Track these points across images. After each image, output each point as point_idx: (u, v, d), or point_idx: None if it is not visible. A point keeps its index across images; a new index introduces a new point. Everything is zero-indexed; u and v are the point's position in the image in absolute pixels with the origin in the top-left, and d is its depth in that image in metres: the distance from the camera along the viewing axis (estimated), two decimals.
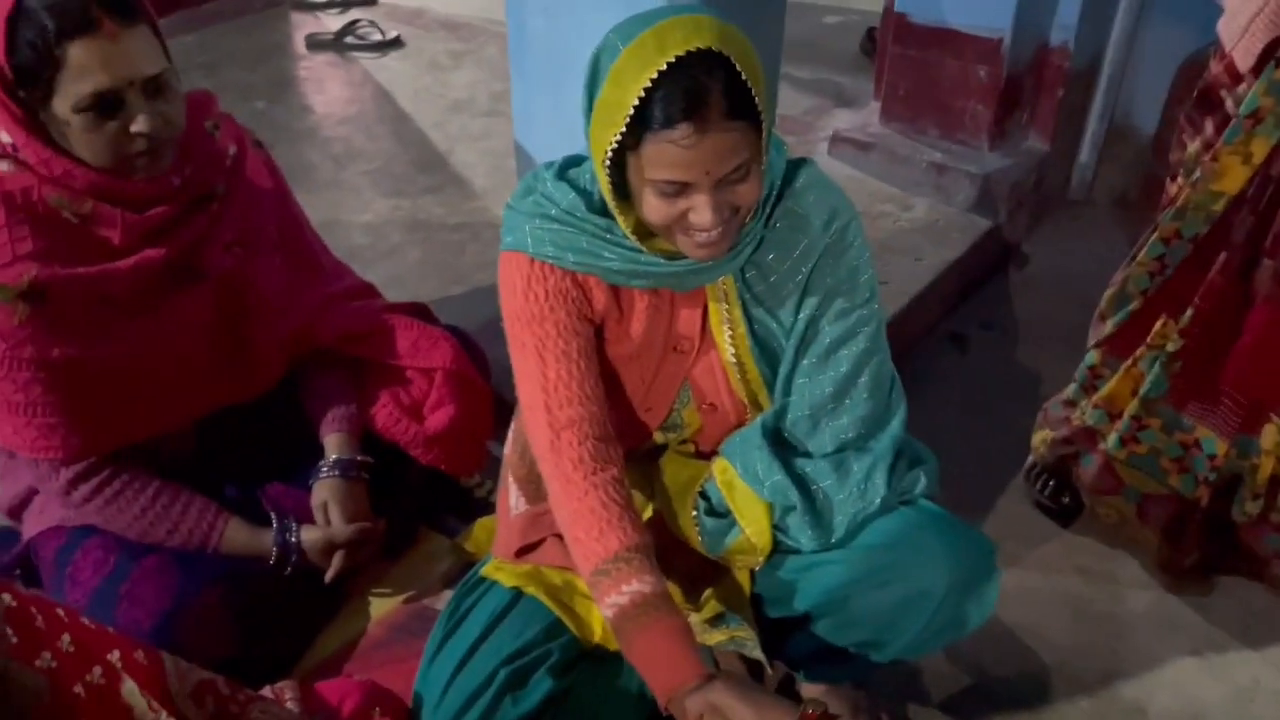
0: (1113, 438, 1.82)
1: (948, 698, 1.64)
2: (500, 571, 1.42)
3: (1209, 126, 1.61)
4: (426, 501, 1.77)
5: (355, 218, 2.71)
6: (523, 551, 1.41)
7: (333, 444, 1.57)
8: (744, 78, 1.05)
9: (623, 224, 1.17)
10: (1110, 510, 1.89)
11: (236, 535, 1.48)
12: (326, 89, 3.52)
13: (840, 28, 3.89)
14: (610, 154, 1.08)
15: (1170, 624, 1.77)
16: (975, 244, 2.61)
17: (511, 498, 1.45)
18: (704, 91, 1.03)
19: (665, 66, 1.02)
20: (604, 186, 1.14)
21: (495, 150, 3.00)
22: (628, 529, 1.19)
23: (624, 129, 1.05)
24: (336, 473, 1.56)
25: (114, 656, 0.98)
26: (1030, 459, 2.03)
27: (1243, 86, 1.54)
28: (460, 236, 2.60)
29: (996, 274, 2.71)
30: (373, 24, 3.84)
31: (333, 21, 3.98)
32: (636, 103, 1.03)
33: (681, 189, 1.08)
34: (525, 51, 1.71)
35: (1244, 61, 1.53)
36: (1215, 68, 1.60)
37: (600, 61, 1.09)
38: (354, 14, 4.01)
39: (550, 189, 1.22)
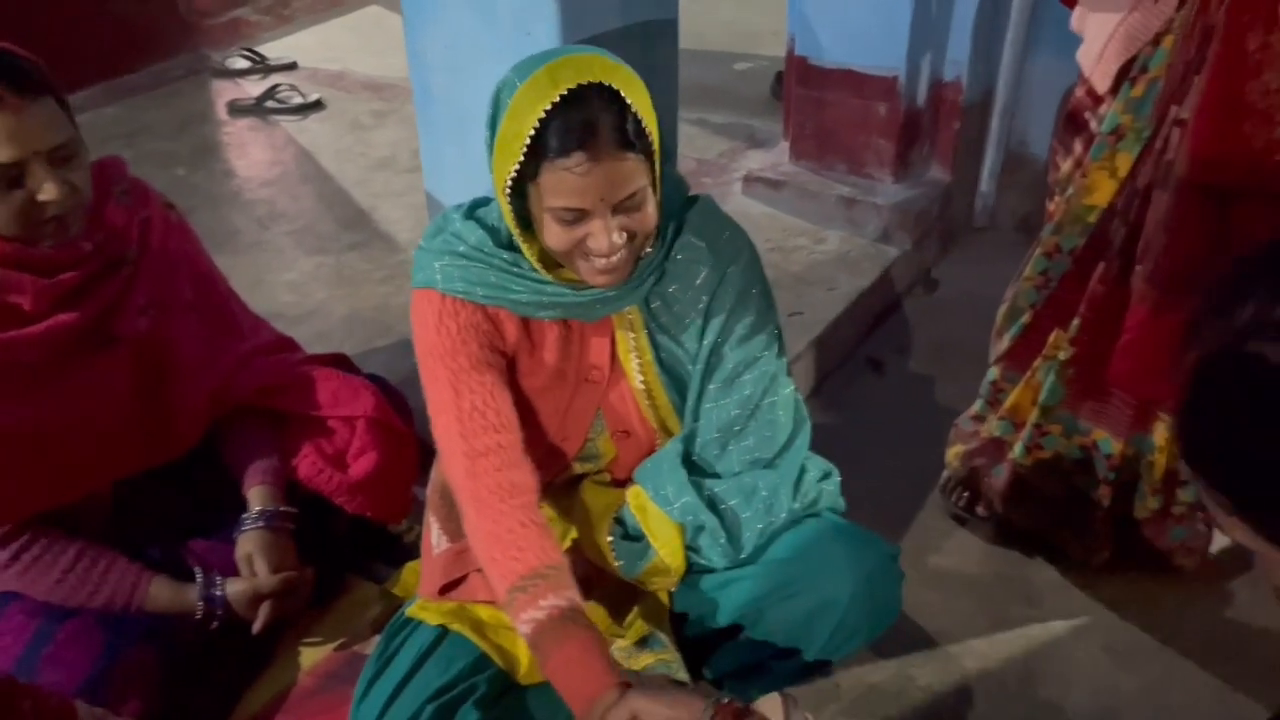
0: (1018, 447, 1.90)
1: (874, 707, 1.68)
2: (426, 611, 1.44)
3: (1078, 146, 1.72)
4: (355, 549, 1.79)
5: (279, 277, 2.73)
6: (447, 589, 1.44)
7: (256, 497, 1.58)
8: (634, 110, 1.12)
9: (528, 253, 1.23)
10: (1022, 517, 1.96)
11: (160, 593, 1.48)
12: (249, 153, 3.55)
13: (751, 74, 4.02)
14: (511, 183, 1.14)
15: (1084, 622, 1.84)
16: (886, 272, 2.71)
17: (434, 536, 1.48)
18: (595, 122, 1.10)
19: (558, 99, 1.09)
20: (507, 216, 1.19)
21: (418, 205, 3.04)
22: (546, 548, 1.22)
23: (521, 159, 1.12)
24: (261, 524, 1.56)
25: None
26: (945, 473, 2.10)
27: (1104, 107, 1.64)
28: (385, 289, 2.64)
29: (908, 300, 2.81)
30: (294, 88, 3.88)
31: (254, 87, 4.01)
32: (532, 133, 1.10)
33: (579, 216, 1.14)
34: (430, 106, 1.77)
35: (1102, 84, 1.64)
36: (1078, 92, 1.71)
37: (500, 97, 1.15)
38: (275, 79, 4.04)
39: (459, 227, 1.27)
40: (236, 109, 3.84)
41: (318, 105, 3.85)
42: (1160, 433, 1.77)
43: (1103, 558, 1.89)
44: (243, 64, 4.23)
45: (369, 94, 3.96)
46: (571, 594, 1.19)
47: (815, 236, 2.84)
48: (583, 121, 1.10)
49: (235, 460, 1.63)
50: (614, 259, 1.18)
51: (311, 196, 3.19)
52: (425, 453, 1.73)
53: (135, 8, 4.19)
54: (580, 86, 1.10)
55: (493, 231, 1.27)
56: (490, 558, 1.24)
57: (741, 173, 3.09)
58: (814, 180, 2.94)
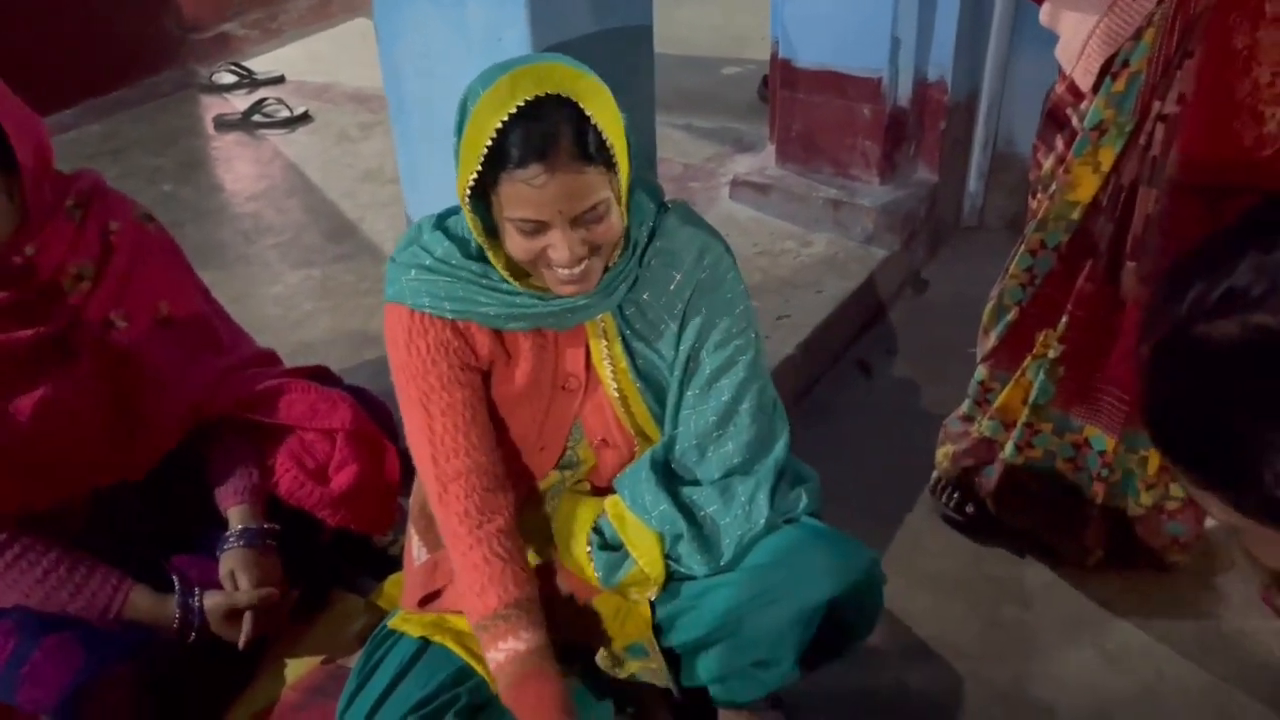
0: (1009, 446, 1.89)
1: (867, 713, 1.67)
2: (407, 623, 1.43)
3: (1059, 143, 1.70)
4: (339, 562, 1.77)
5: (266, 290, 2.73)
6: (428, 600, 1.42)
7: (236, 515, 1.57)
8: (594, 122, 1.11)
9: (495, 261, 1.22)
10: (1014, 517, 1.95)
11: (140, 601, 1.47)
12: (235, 167, 3.54)
13: (738, 78, 4.02)
14: (471, 191, 1.13)
15: (1077, 623, 1.82)
16: (873, 274, 2.70)
17: (414, 548, 1.47)
18: (553, 134, 1.09)
19: (515, 110, 1.08)
20: (471, 224, 1.19)
21: (404, 216, 3.04)
22: (508, 585, 1.25)
23: (480, 168, 1.10)
24: (242, 543, 1.55)
25: None
26: (935, 474, 2.08)
27: (1085, 103, 1.63)
28: (371, 301, 2.63)
29: (897, 301, 2.80)
30: (280, 101, 3.88)
31: (240, 101, 4.01)
32: (490, 143, 1.09)
33: (538, 227, 1.13)
34: (406, 116, 1.77)
35: (1084, 81, 1.63)
36: (1059, 88, 1.70)
37: (465, 105, 1.15)
38: (261, 93, 4.04)
39: (427, 239, 1.27)
40: (223, 123, 3.83)
41: (305, 118, 3.84)
42: None
43: (1096, 557, 1.87)
44: (230, 79, 4.23)
45: (356, 106, 3.95)
46: (531, 634, 1.24)
47: (802, 240, 2.83)
48: (540, 134, 1.09)
49: (215, 478, 1.62)
50: (577, 270, 1.17)
51: (298, 209, 3.18)
52: (407, 464, 1.71)
53: (122, 24, 4.20)
54: (539, 97, 1.09)
55: (461, 242, 1.26)
56: (460, 590, 1.30)
57: (728, 177, 3.09)
58: (800, 183, 2.93)
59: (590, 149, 1.11)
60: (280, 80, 4.24)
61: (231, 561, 1.53)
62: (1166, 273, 0.72)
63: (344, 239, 2.98)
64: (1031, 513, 1.92)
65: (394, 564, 1.82)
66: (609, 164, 1.14)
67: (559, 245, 1.14)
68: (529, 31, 1.49)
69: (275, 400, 1.65)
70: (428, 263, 1.26)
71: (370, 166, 3.45)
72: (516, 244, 1.16)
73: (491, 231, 1.20)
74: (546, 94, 1.09)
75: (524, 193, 1.10)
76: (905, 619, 1.84)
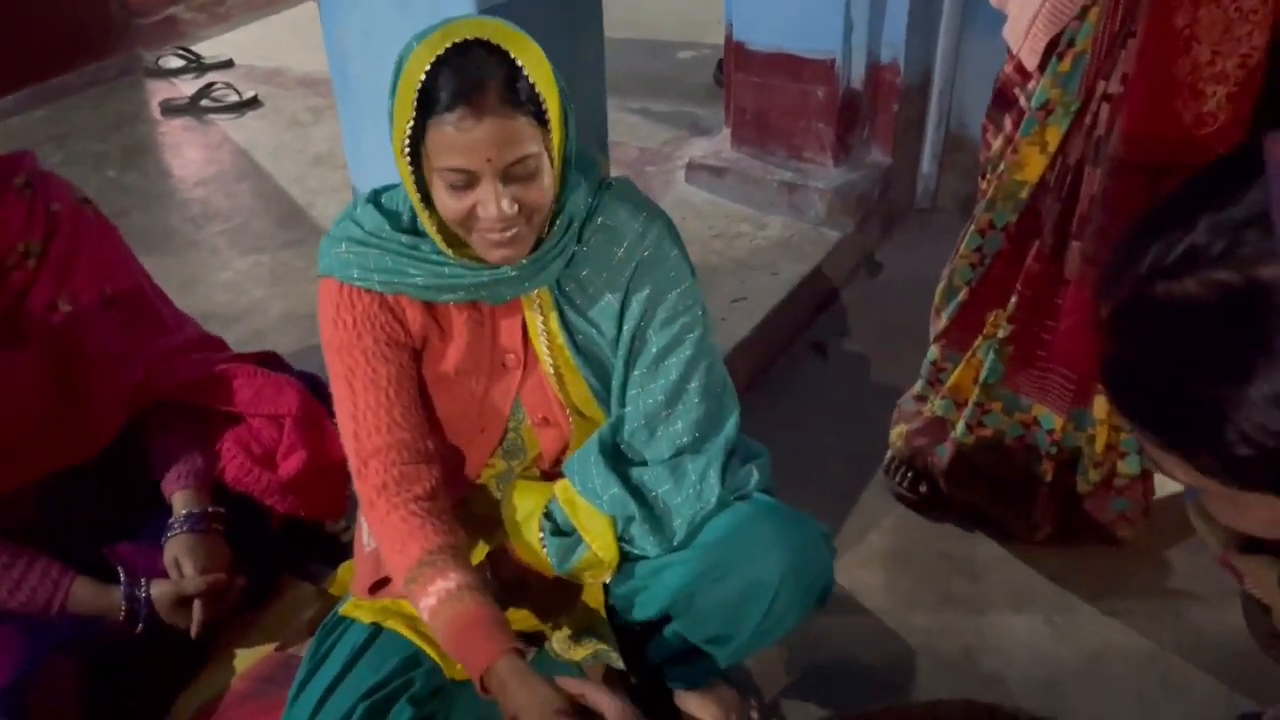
0: (960, 425, 1.91)
1: (819, 687, 1.68)
2: (358, 609, 1.41)
3: (1007, 123, 1.72)
4: (290, 550, 1.75)
5: (215, 277, 2.68)
6: (378, 587, 1.41)
7: (180, 501, 1.54)
8: (524, 71, 1.10)
9: (429, 226, 1.20)
10: (965, 494, 1.97)
11: (83, 594, 1.44)
12: (183, 153, 3.48)
13: (694, 61, 4.01)
14: (407, 146, 1.11)
15: (1026, 596, 1.85)
16: (828, 256, 2.71)
17: (364, 534, 1.45)
18: (481, 77, 1.08)
19: (444, 51, 1.07)
20: (407, 184, 1.17)
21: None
22: (429, 534, 1.23)
23: (413, 115, 1.09)
24: (186, 528, 1.53)
25: None
26: (889, 453, 2.10)
27: (1032, 83, 1.65)
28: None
29: (851, 283, 2.82)
30: (229, 86, 3.81)
31: (188, 86, 3.94)
32: (419, 87, 1.08)
33: (467, 180, 1.12)
34: (350, 96, 1.74)
35: (1030, 60, 1.64)
36: (1007, 68, 1.71)
37: (400, 61, 1.13)
38: (210, 77, 3.97)
39: (359, 213, 1.25)
40: (170, 109, 3.76)
41: (254, 103, 3.78)
42: (1100, 406, 1.77)
43: (1045, 532, 1.90)
44: (177, 63, 4.15)
45: (306, 90, 3.89)
46: (459, 573, 1.21)
47: (758, 222, 2.83)
48: (467, 76, 1.08)
49: (159, 463, 1.59)
50: (508, 233, 1.15)
51: (247, 195, 3.13)
52: None
53: (66, 8, 4.09)
54: (468, 41, 1.08)
55: (392, 216, 1.25)
56: (384, 556, 1.26)
57: (684, 160, 3.08)
58: (755, 166, 2.93)
59: (520, 96, 1.10)
60: (229, 64, 4.17)
61: (176, 548, 1.51)
62: (1124, 234, 0.71)
63: (294, 224, 2.94)
64: (982, 490, 1.94)
65: (346, 551, 1.79)
66: (540, 118, 1.12)
67: (487, 200, 1.12)
68: (475, 7, 1.47)
69: (221, 385, 1.63)
70: (358, 235, 1.25)
71: (320, 151, 3.41)
72: (446, 203, 1.14)
73: (428, 198, 1.19)
74: (477, 39, 1.09)
75: (451, 138, 1.09)
76: (858, 595, 1.85)
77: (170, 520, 1.53)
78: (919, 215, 3.11)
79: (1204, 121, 1.47)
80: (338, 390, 1.28)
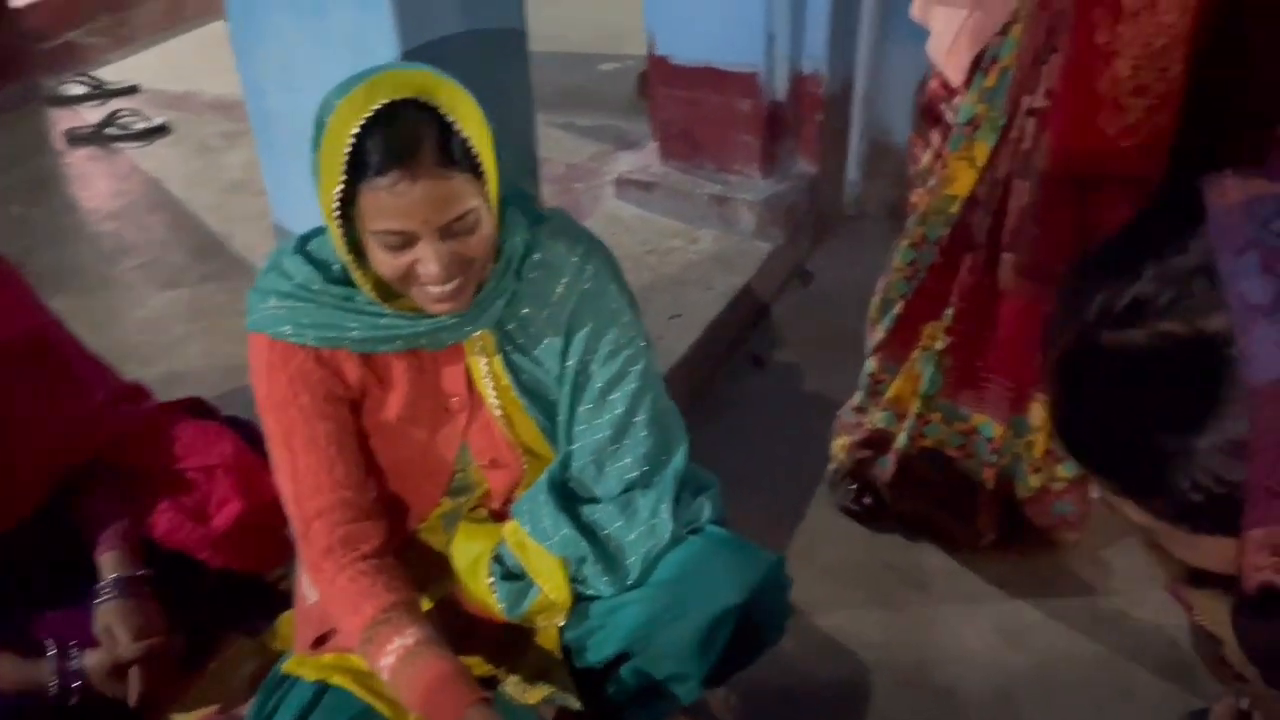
0: (902, 436, 1.92)
1: (778, 712, 1.67)
2: (303, 666, 1.36)
3: (935, 137, 1.73)
4: (226, 603, 1.68)
5: (130, 315, 2.58)
6: (321, 641, 1.36)
7: (108, 564, 1.47)
8: (457, 127, 1.06)
9: (362, 282, 1.16)
10: (909, 504, 1.98)
11: (6, 671, 1.36)
12: (90, 184, 3.35)
13: (616, 74, 4.00)
14: (337, 208, 1.07)
15: (974, 604, 1.86)
16: (761, 268, 2.71)
17: (304, 586, 1.40)
18: (413, 139, 1.04)
19: (371, 114, 1.03)
20: (338, 244, 1.13)
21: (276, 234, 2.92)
22: (381, 593, 1.19)
23: (342, 180, 1.05)
24: (116, 593, 1.45)
25: None
26: (832, 465, 2.11)
27: (958, 99, 1.67)
28: (245, 322, 2.50)
29: (784, 294, 2.82)
30: (136, 113, 3.68)
31: (93, 114, 3.79)
32: (348, 152, 1.04)
33: (404, 240, 1.08)
34: (270, 130, 1.68)
35: (956, 77, 1.66)
36: (932, 84, 1.73)
37: (321, 118, 1.09)
38: (115, 103, 3.83)
39: (286, 264, 1.20)
40: (75, 138, 3.62)
41: (163, 130, 3.66)
42: (1036, 413, 1.80)
43: (989, 539, 1.92)
44: (80, 90, 4.00)
45: (217, 115, 3.78)
46: (416, 629, 1.18)
47: (689, 236, 2.82)
48: (399, 138, 1.04)
49: (85, 525, 1.51)
50: (449, 287, 1.12)
51: (161, 227, 3.03)
52: None
53: None
54: (396, 102, 1.04)
55: (323, 266, 1.20)
56: (335, 619, 1.23)
57: (613, 175, 3.06)
58: (684, 180, 2.92)
59: (454, 154, 1.07)
60: (134, 90, 4.03)
61: (107, 615, 1.44)
62: (1067, 283, 0.72)
63: (212, 256, 2.85)
64: (926, 500, 1.96)
65: (285, 600, 1.74)
66: (475, 171, 1.09)
67: (428, 259, 1.08)
68: (396, 40, 1.43)
69: (148, 438, 1.56)
70: (287, 289, 1.20)
71: (236, 178, 3.31)
72: (383, 261, 1.10)
73: (358, 250, 1.14)
74: (405, 98, 1.05)
75: (386, 202, 1.05)
76: (809, 612, 1.85)
77: (98, 585, 1.45)
78: (847, 223, 3.14)
79: (1127, 134, 1.50)
80: (275, 451, 1.24)
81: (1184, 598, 1.05)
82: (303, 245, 1.23)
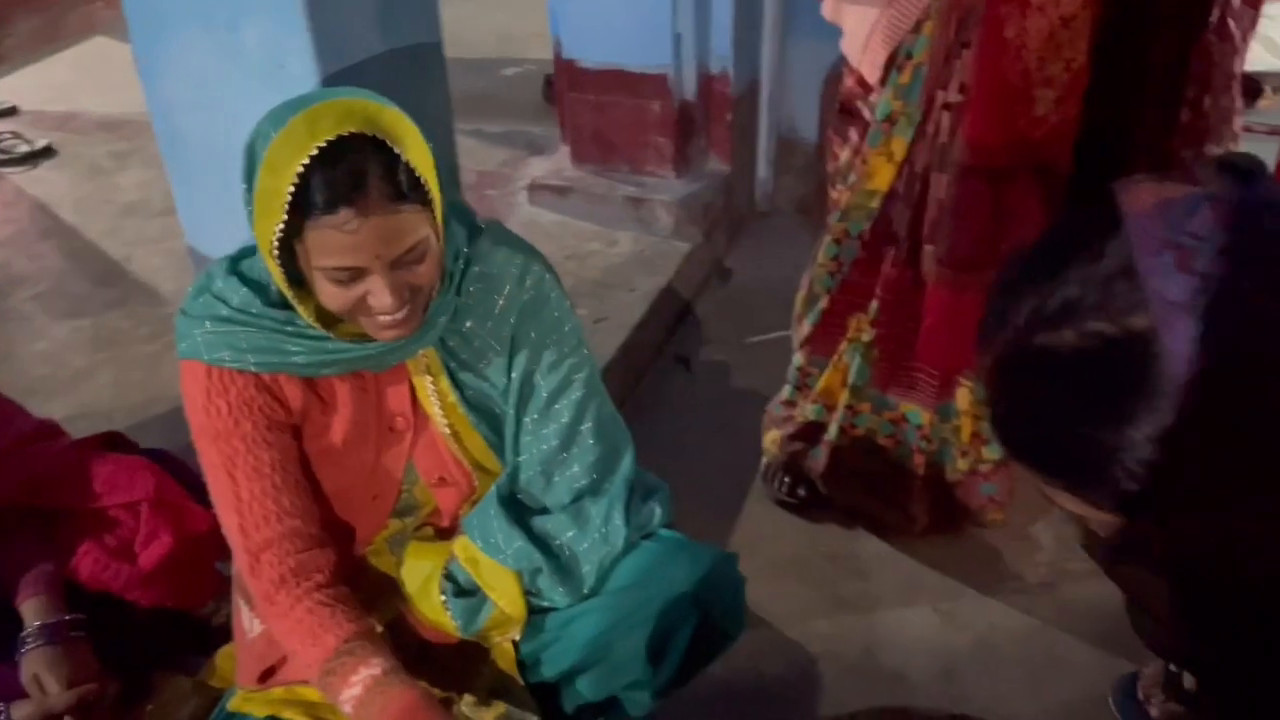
0: (833, 428, 1.95)
1: (730, 710, 1.68)
2: (250, 702, 1.32)
3: (853, 134, 1.77)
4: (158, 643, 1.62)
5: (29, 348, 2.46)
6: (268, 674, 1.32)
7: (31, 611, 1.40)
8: (405, 159, 1.04)
9: (304, 313, 1.13)
10: (843, 494, 2.02)
11: None
12: None
13: (520, 78, 3.97)
14: (276, 244, 1.04)
15: (913, 588, 1.91)
16: (681, 267, 2.73)
17: (245, 620, 1.36)
18: (362, 176, 1.01)
19: (317, 151, 0.99)
20: (277, 278, 1.09)
21: (179, 250, 2.78)
22: (342, 623, 1.16)
23: (284, 218, 1.01)
24: (42, 641, 1.39)
25: None
26: (765, 460, 2.13)
27: (874, 95, 1.70)
28: (153, 348, 2.42)
29: (705, 292, 2.85)
30: (17, 135, 3.51)
31: None
32: (292, 190, 1.00)
33: (355, 274, 1.05)
34: (181, 151, 1.62)
35: (871, 75, 1.69)
36: (848, 82, 1.76)
37: (255, 149, 1.05)
38: None
39: (220, 286, 1.16)
40: None
41: (48, 152, 3.50)
42: (963, 398, 1.85)
43: (922, 523, 1.97)
44: None
45: (106, 134, 3.63)
46: (381, 659, 1.15)
47: (607, 240, 2.82)
48: (347, 176, 1.00)
49: (3, 573, 1.44)
50: (399, 315, 1.10)
51: (55, 254, 2.89)
52: None
53: None
54: (341, 137, 1.00)
55: (259, 288, 1.16)
56: (293, 651, 1.19)
57: (525, 181, 3.05)
58: (599, 183, 2.92)
59: (403, 187, 1.04)
60: (13, 112, 3.84)
61: (34, 664, 1.37)
62: (995, 289, 0.75)
63: (113, 282, 2.73)
64: (859, 489, 2.00)
65: (219, 635, 1.68)
66: (424, 200, 1.07)
67: (379, 292, 1.06)
68: (313, 55, 1.39)
69: (65, 478, 1.49)
70: (224, 313, 1.15)
71: (132, 200, 3.18)
72: (331, 295, 1.07)
73: (297, 280, 1.11)
74: (350, 133, 1.01)
75: (336, 240, 1.02)
76: (754, 607, 1.85)
77: (23, 634, 1.38)
78: (760, 219, 3.18)
79: (1038, 124, 1.55)
80: (216, 481, 1.19)
81: (1115, 574, 1.09)
82: (234, 266, 1.18)
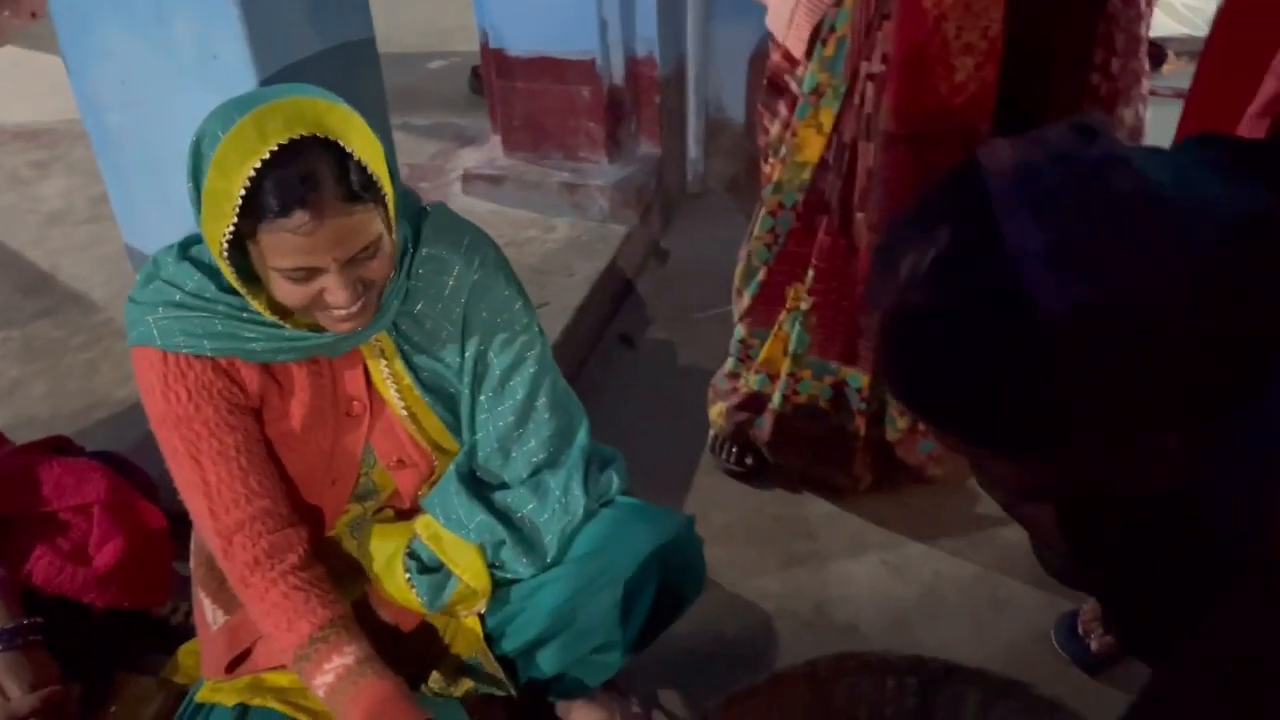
0: (777, 396, 2.00)
1: (692, 671, 1.73)
2: (218, 692, 1.32)
3: (782, 109, 1.82)
4: (119, 644, 1.61)
5: None
6: (235, 664, 1.33)
7: None
8: (357, 158, 1.04)
9: (257, 306, 1.13)
10: (789, 459, 2.07)
11: None
12: None
13: (446, 71, 3.97)
14: (226, 244, 1.05)
15: (861, 544, 1.97)
16: (619, 250, 2.77)
17: (208, 613, 1.36)
18: (315, 178, 1.02)
19: (269, 155, 1.00)
20: (228, 275, 1.10)
21: (108, 256, 2.77)
22: (316, 609, 1.18)
23: (235, 220, 1.02)
24: (1, 646, 1.38)
25: None
26: (711, 432, 2.18)
27: (801, 69, 1.75)
28: (89, 355, 2.38)
29: (643, 273, 2.89)
30: None
31: None
32: (244, 193, 1.01)
33: (310, 274, 1.07)
34: (114, 150, 1.60)
35: (797, 49, 1.74)
36: (775, 57, 1.81)
37: (202, 149, 1.04)
38: None
39: (172, 272, 1.16)
40: None
41: None
42: None
43: (866, 482, 2.03)
44: None
45: (24, 143, 3.54)
46: (355, 647, 1.18)
47: (544, 226, 2.85)
48: (300, 179, 1.01)
49: None
50: (355, 307, 1.11)
51: None
52: (178, 525, 1.58)
53: None
54: (293, 139, 1.00)
55: (213, 273, 1.16)
56: (268, 634, 1.21)
57: (458, 172, 3.05)
58: (532, 171, 2.94)
59: (356, 187, 1.05)
60: None
61: None
62: (878, 249, 0.80)
63: (42, 292, 2.67)
64: (805, 453, 2.05)
65: (179, 633, 1.68)
66: (377, 199, 1.08)
67: (335, 289, 1.07)
68: (247, 49, 1.39)
69: (13, 483, 1.48)
70: (178, 298, 1.15)
71: (55, 208, 3.12)
72: (286, 292, 1.08)
73: (250, 277, 1.12)
74: (301, 135, 1.01)
75: (291, 242, 1.03)
76: (710, 572, 1.88)
77: None
78: (692, 200, 3.23)
79: (958, 91, 1.61)
80: (182, 468, 1.19)
81: (1015, 513, 1.15)
82: (185, 252, 1.18)
